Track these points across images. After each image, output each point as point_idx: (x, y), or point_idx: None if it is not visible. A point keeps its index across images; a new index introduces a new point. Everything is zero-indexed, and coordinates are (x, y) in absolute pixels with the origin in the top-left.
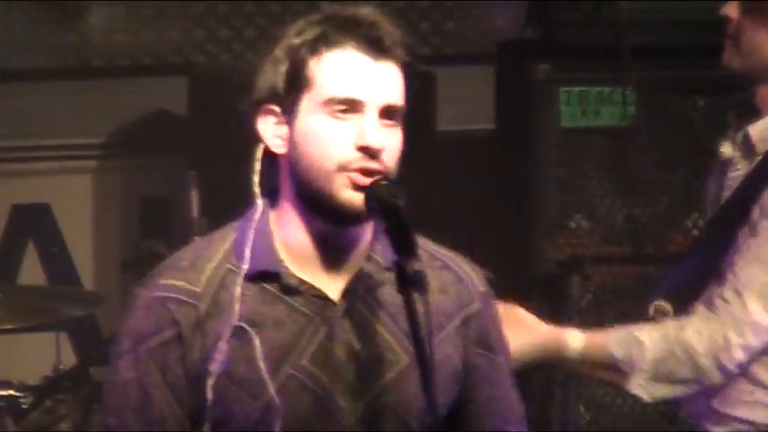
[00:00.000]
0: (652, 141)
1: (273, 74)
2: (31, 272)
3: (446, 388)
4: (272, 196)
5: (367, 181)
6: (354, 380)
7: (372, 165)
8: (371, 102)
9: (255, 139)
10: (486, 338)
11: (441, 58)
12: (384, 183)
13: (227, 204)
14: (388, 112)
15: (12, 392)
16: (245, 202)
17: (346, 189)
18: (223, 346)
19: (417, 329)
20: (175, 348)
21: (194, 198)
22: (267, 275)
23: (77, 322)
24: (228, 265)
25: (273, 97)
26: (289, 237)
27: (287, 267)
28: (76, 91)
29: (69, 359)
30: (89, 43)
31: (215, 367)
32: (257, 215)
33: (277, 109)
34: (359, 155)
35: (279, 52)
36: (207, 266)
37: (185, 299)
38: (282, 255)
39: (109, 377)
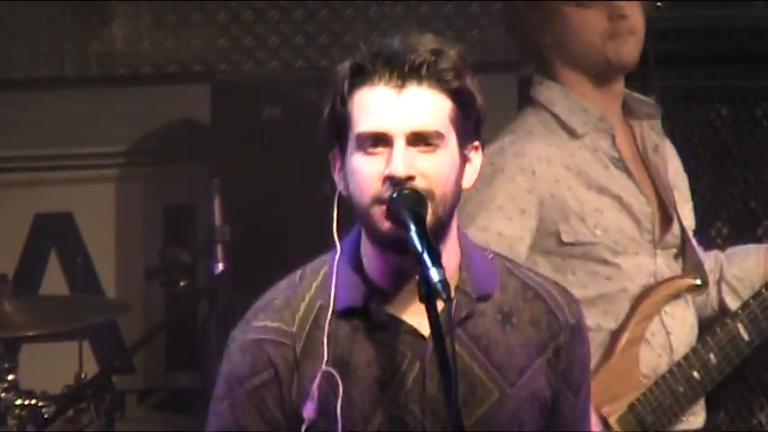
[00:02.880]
0: (676, 150)
1: (326, 116)
2: (54, 280)
3: (533, 420)
4: (357, 237)
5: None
6: (447, 416)
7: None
8: (398, 131)
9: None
10: (568, 374)
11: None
12: (406, 191)
13: (251, 211)
14: (420, 139)
15: (34, 402)
16: (269, 209)
17: (385, 221)
18: (314, 391)
19: (440, 337)
20: (273, 390)
21: (217, 205)
22: (357, 312)
23: (100, 331)
24: (321, 302)
25: (331, 141)
26: (372, 272)
27: (377, 303)
28: (100, 99)
29: (92, 368)
30: (113, 52)
31: (307, 413)
32: (338, 254)
33: (336, 152)
34: (387, 185)
35: (329, 93)
36: (300, 305)
37: (281, 340)
38: (371, 290)
39: (210, 421)
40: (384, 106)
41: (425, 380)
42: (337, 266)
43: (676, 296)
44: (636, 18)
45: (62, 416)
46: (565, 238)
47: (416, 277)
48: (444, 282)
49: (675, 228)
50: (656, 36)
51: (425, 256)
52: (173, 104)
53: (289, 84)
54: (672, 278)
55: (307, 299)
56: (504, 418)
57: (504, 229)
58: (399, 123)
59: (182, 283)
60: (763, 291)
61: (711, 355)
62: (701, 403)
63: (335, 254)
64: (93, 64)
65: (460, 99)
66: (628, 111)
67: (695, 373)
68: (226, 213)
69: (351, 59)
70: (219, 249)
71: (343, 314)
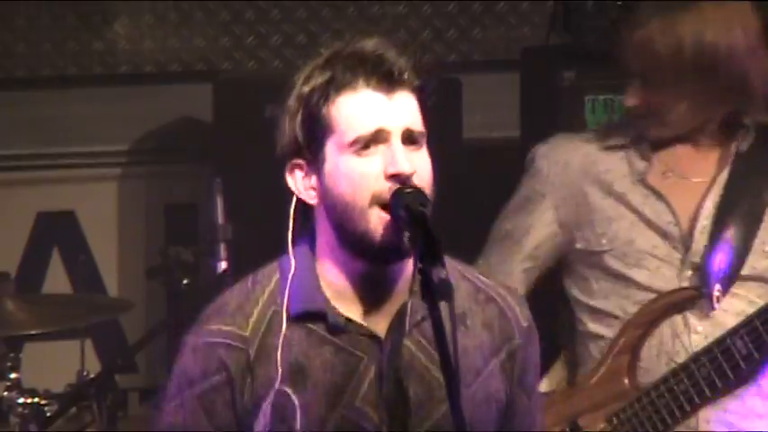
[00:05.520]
0: None
1: (291, 127)
2: (57, 279)
3: (491, 422)
4: (311, 243)
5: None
6: (404, 418)
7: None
8: (394, 128)
9: (289, 193)
10: (523, 377)
11: (467, 65)
12: (409, 190)
13: (253, 211)
14: (411, 138)
15: (37, 400)
16: (271, 209)
17: (382, 230)
18: (267, 407)
19: (443, 339)
20: (224, 393)
21: (219, 204)
22: (313, 316)
23: (102, 329)
24: (274, 307)
25: (296, 150)
26: (331, 277)
27: (333, 307)
28: (102, 98)
29: (94, 366)
30: (115, 51)
31: (258, 427)
32: (292, 266)
33: (302, 162)
34: (390, 184)
35: (292, 104)
36: (254, 310)
37: (235, 344)
38: (327, 294)
39: (156, 421)
40: (377, 108)
41: (382, 382)
42: (293, 271)
43: (679, 310)
44: None
45: (64, 414)
46: (578, 245)
47: (382, 282)
48: (447, 282)
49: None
50: None
51: (427, 257)
52: (175, 103)
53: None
54: (671, 291)
55: (260, 303)
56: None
57: (508, 225)
58: (395, 122)
59: (184, 282)
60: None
61: (702, 370)
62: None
63: (287, 260)
64: (96, 63)
65: (423, 103)
66: (724, 131)
67: (680, 386)
68: (228, 212)
69: (313, 68)
70: (222, 248)
71: (299, 318)
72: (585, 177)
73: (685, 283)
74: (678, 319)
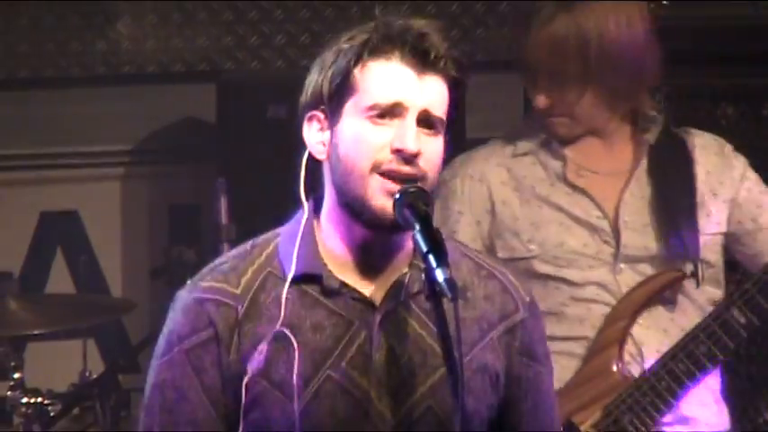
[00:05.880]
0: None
1: (319, 78)
2: (60, 278)
3: (485, 393)
4: (316, 202)
5: (397, 188)
6: (395, 384)
7: (405, 168)
8: (412, 106)
9: (302, 145)
10: (530, 348)
11: (470, 65)
12: (413, 190)
13: (257, 211)
14: (428, 121)
15: (40, 400)
16: (275, 209)
17: (379, 195)
18: (263, 347)
19: (447, 336)
20: (211, 349)
21: (223, 205)
22: (308, 278)
23: (105, 329)
24: (269, 269)
25: (318, 103)
26: (330, 242)
27: (330, 270)
28: (105, 98)
29: (97, 366)
30: (118, 51)
31: (252, 366)
32: (303, 220)
33: (321, 115)
34: (392, 157)
35: (327, 56)
36: (248, 269)
37: (223, 300)
38: (325, 259)
39: (148, 377)
40: (403, 81)
41: (371, 349)
42: (295, 234)
43: (659, 298)
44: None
45: (68, 414)
46: (500, 254)
47: (380, 250)
48: (451, 281)
49: (642, 240)
50: (661, 35)
51: (431, 256)
52: (178, 103)
53: (294, 83)
54: (648, 278)
55: (256, 264)
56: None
57: None
58: (417, 99)
59: (187, 282)
60: (761, 273)
61: (702, 347)
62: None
63: (288, 225)
64: (99, 63)
65: (456, 97)
66: (637, 125)
67: (680, 365)
68: (231, 212)
69: (359, 30)
70: (225, 248)
71: (294, 279)
72: (503, 187)
73: (620, 277)
74: (659, 309)
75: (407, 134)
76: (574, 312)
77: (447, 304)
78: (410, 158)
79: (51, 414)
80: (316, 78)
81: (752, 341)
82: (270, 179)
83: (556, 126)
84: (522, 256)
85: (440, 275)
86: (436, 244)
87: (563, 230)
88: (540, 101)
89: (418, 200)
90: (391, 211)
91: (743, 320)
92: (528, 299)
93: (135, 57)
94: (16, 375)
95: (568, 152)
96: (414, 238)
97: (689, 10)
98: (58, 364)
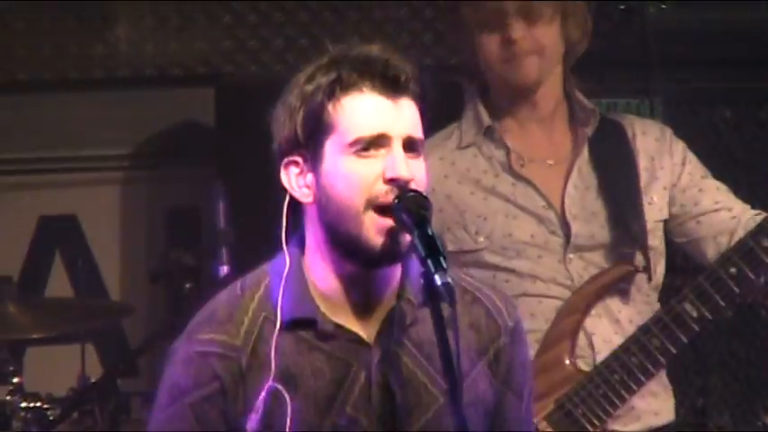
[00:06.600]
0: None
1: (290, 123)
2: (59, 282)
3: (480, 423)
4: (300, 244)
5: (391, 223)
6: (394, 423)
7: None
8: (396, 134)
9: (282, 190)
10: (506, 376)
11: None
12: (411, 194)
13: (255, 215)
14: (410, 145)
15: (39, 404)
16: (273, 213)
17: (374, 234)
18: (259, 405)
19: (446, 346)
20: (217, 403)
21: (221, 208)
22: (302, 323)
23: (104, 333)
24: (264, 313)
25: (294, 147)
26: (321, 282)
27: (323, 313)
28: (103, 102)
29: (96, 370)
30: (116, 54)
31: (250, 425)
32: (287, 264)
33: (299, 159)
34: (387, 187)
35: (293, 100)
36: (244, 318)
37: (227, 353)
38: (317, 300)
39: (149, 428)
40: (382, 111)
41: (371, 389)
42: (285, 274)
43: (612, 290)
44: (530, 39)
45: (67, 418)
46: (450, 248)
47: (371, 286)
48: (449, 285)
49: (589, 230)
50: (659, 38)
51: (429, 261)
52: (177, 107)
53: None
54: (601, 272)
55: (250, 311)
56: (450, 422)
57: None
58: (398, 127)
59: (186, 286)
60: (714, 267)
61: (654, 340)
62: (665, 398)
63: (275, 264)
64: (97, 66)
65: (423, 111)
66: (574, 117)
67: (633, 359)
68: (230, 216)
69: (317, 67)
70: (224, 252)
71: (289, 326)
72: (447, 180)
73: (570, 267)
74: (615, 301)
75: (398, 163)
76: (525, 306)
77: (434, 333)
78: (405, 185)
79: (50, 418)
80: (286, 125)
81: (750, 344)
82: (268, 183)
83: (525, 68)
84: (471, 248)
85: (438, 280)
86: (434, 249)
87: (510, 221)
88: (516, 32)
89: (417, 205)
90: (386, 248)
91: (695, 314)
92: (511, 324)
93: (133, 60)
94: (15, 380)
95: (510, 141)
96: (411, 243)
97: (687, 13)
98: (57, 369)
